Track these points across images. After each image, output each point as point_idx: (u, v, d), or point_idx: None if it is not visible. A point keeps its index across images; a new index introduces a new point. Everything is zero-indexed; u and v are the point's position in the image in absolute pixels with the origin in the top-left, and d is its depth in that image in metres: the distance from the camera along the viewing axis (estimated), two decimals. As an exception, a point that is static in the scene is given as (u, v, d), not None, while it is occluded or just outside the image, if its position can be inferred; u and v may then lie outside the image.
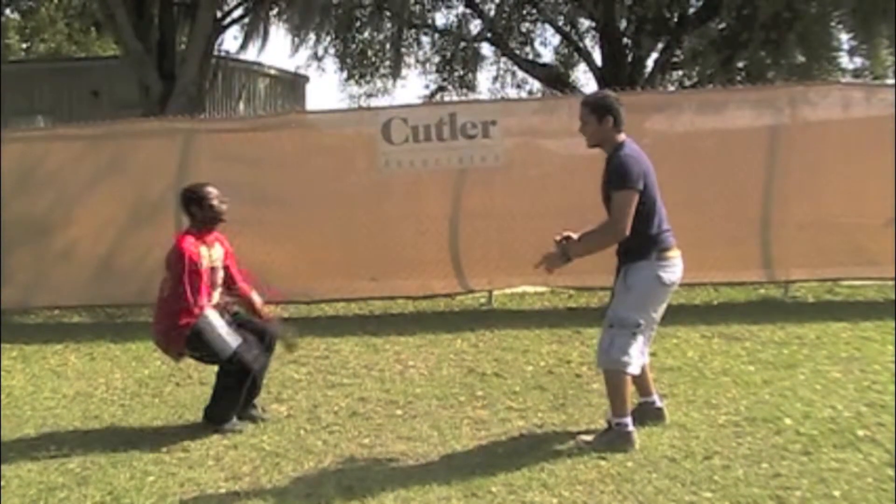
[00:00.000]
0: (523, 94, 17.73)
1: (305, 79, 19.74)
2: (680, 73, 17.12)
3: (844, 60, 14.76)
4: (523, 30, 16.87)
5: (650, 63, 15.25)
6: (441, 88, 17.64)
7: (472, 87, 17.45)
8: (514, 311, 7.58)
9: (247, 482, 3.63)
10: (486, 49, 17.23)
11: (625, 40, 15.25)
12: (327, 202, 7.51)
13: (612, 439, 3.81)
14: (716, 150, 7.41)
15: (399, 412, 4.54)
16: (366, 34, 16.16)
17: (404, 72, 17.34)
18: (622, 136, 3.85)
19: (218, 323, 4.26)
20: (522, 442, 4.00)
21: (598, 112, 3.83)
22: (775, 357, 5.40)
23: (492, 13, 15.89)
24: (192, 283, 4.19)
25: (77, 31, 20.17)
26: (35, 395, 5.21)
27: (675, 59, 15.63)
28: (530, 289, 7.86)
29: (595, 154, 4.01)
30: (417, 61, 17.39)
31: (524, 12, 16.38)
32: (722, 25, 14.23)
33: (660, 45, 15.11)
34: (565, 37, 16.58)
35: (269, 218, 7.51)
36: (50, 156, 7.92)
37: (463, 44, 16.50)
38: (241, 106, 17.96)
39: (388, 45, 16.24)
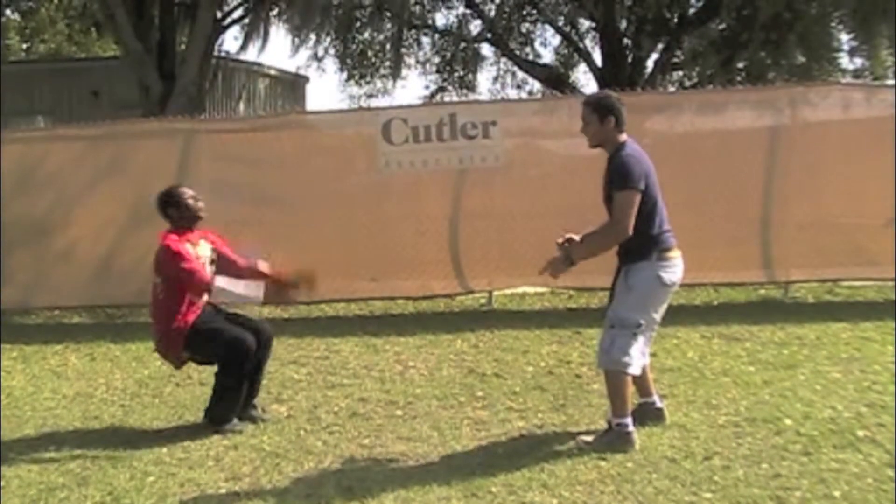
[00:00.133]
0: (523, 95, 17.75)
1: (305, 79, 19.75)
2: (680, 73, 17.14)
3: (845, 61, 14.80)
4: (523, 30, 16.88)
5: (650, 63, 15.26)
6: (441, 89, 17.65)
7: (472, 88, 17.48)
8: (515, 311, 7.58)
9: (247, 483, 3.63)
10: (487, 49, 17.27)
11: (625, 41, 15.26)
12: (327, 202, 7.51)
13: (613, 440, 3.81)
14: (716, 150, 7.41)
15: (399, 413, 4.54)
16: (366, 35, 16.17)
17: (404, 72, 17.38)
18: (624, 137, 3.85)
19: (215, 318, 4.36)
20: (522, 442, 4.00)
21: (600, 112, 3.83)
22: (775, 357, 5.40)
23: (492, 14, 15.90)
24: (189, 274, 4.19)
25: (77, 31, 20.18)
26: (35, 396, 5.21)
27: (675, 60, 15.64)
28: (530, 289, 7.86)
29: (595, 154, 4.01)
30: (417, 62, 17.42)
31: (524, 13, 16.38)
32: (722, 26, 14.24)
33: (660, 46, 15.11)
34: (565, 37, 16.59)
35: (269, 218, 7.51)
36: (50, 156, 7.92)
37: (463, 44, 16.51)
38: (242, 106, 17.96)
39: (388, 46, 16.24)
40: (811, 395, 4.53)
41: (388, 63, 16.91)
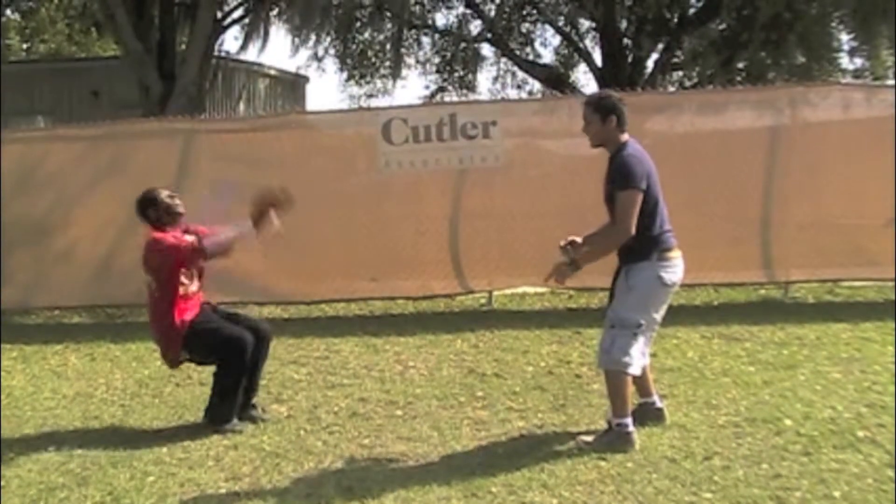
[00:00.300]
0: (523, 95, 17.75)
1: (305, 79, 19.75)
2: (680, 73, 17.13)
3: (845, 61, 14.79)
4: (523, 30, 16.88)
5: (650, 63, 15.26)
6: (441, 89, 17.65)
7: (472, 88, 17.48)
8: (515, 311, 7.58)
9: (247, 483, 3.63)
10: (487, 49, 17.27)
11: (625, 41, 15.26)
12: (327, 203, 7.49)
13: (613, 440, 3.81)
14: (716, 150, 7.40)
15: (399, 413, 4.54)
16: (366, 35, 16.17)
17: (404, 72, 17.38)
18: (625, 136, 3.85)
19: (214, 318, 4.40)
20: (522, 442, 4.00)
21: (602, 112, 3.83)
22: (775, 358, 5.40)
23: (492, 14, 15.90)
24: (174, 247, 4.22)
25: (77, 31, 20.18)
26: (35, 396, 5.21)
27: (675, 60, 15.63)
28: (530, 289, 7.85)
29: (595, 154, 4.01)
30: (418, 62, 17.42)
31: (524, 13, 16.38)
32: (722, 26, 14.23)
33: (660, 46, 15.11)
34: (565, 37, 16.58)
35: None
36: (50, 156, 7.92)
37: (463, 44, 16.51)
38: (242, 106, 17.96)
39: (388, 46, 16.24)
40: (811, 396, 4.52)
41: (388, 63, 16.92)
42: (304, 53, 31.74)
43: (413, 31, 16.41)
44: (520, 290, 7.87)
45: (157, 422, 4.58)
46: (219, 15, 13.16)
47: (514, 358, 5.66)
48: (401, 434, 4.17)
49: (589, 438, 3.88)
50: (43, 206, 7.75)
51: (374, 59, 17.07)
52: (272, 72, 18.99)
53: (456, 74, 17.41)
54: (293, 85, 19.83)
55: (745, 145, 7.39)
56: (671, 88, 16.41)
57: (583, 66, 17.17)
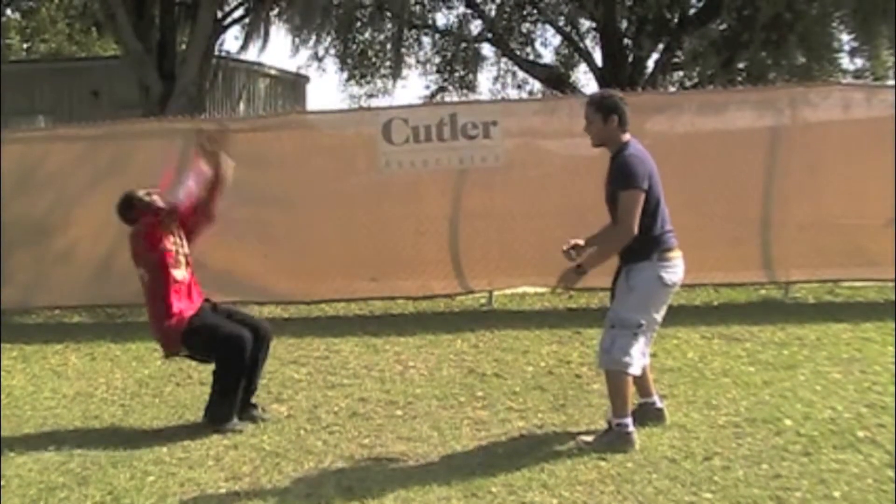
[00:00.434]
0: (524, 95, 17.74)
1: (306, 79, 19.75)
2: (680, 73, 17.13)
3: (845, 61, 14.79)
4: (524, 30, 16.87)
5: (651, 64, 15.25)
6: (442, 89, 17.65)
7: (472, 88, 17.48)
8: (515, 311, 7.58)
9: (247, 482, 3.63)
10: (487, 49, 17.26)
11: (625, 41, 15.26)
12: (328, 202, 7.51)
13: (613, 440, 3.81)
14: (716, 150, 7.40)
15: (399, 413, 4.54)
16: (366, 34, 16.16)
17: (405, 72, 17.37)
18: (627, 136, 3.85)
19: (213, 315, 4.42)
20: (522, 442, 4.00)
21: (604, 111, 3.83)
22: (775, 358, 5.39)
23: (492, 14, 15.89)
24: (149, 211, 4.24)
25: (78, 31, 20.19)
26: (35, 395, 5.22)
27: (675, 60, 15.63)
28: (530, 289, 7.85)
29: (595, 154, 4.01)
30: (418, 62, 17.41)
31: (525, 13, 16.38)
32: (723, 26, 14.23)
33: (660, 46, 15.10)
34: (566, 37, 16.58)
35: (270, 218, 7.52)
36: (50, 156, 7.92)
37: (463, 44, 16.50)
38: (242, 106, 17.97)
39: (388, 46, 16.24)
40: (811, 396, 4.52)
41: (388, 63, 16.91)
42: (305, 53, 31.71)
43: (413, 31, 16.41)
44: (520, 290, 7.87)
45: (158, 421, 4.58)
46: (219, 15, 13.16)
47: (514, 358, 5.66)
48: (401, 434, 4.17)
49: (589, 438, 3.88)
50: (43, 205, 7.74)
51: (374, 59, 17.07)
52: (272, 72, 19.00)
53: (456, 74, 17.42)
54: (293, 85, 19.84)
55: (746, 145, 7.38)
56: (671, 88, 16.41)
57: (583, 66, 17.18)
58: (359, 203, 7.56)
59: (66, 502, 3.51)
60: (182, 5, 13.17)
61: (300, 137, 7.82)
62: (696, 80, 15.88)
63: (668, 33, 14.73)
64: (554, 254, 3.93)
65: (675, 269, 3.83)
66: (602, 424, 4.03)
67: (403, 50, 16.30)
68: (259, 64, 17.68)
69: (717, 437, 3.94)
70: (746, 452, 3.73)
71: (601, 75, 15.01)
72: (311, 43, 15.06)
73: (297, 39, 14.39)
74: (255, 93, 18.71)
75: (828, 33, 13.72)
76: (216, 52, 13.79)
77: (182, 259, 4.42)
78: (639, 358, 3.83)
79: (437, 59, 17.40)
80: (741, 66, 14.36)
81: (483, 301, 7.85)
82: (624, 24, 15.27)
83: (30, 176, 7.79)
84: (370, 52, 16.83)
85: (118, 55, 14.48)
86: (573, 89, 15.96)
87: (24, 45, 23.31)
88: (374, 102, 17.29)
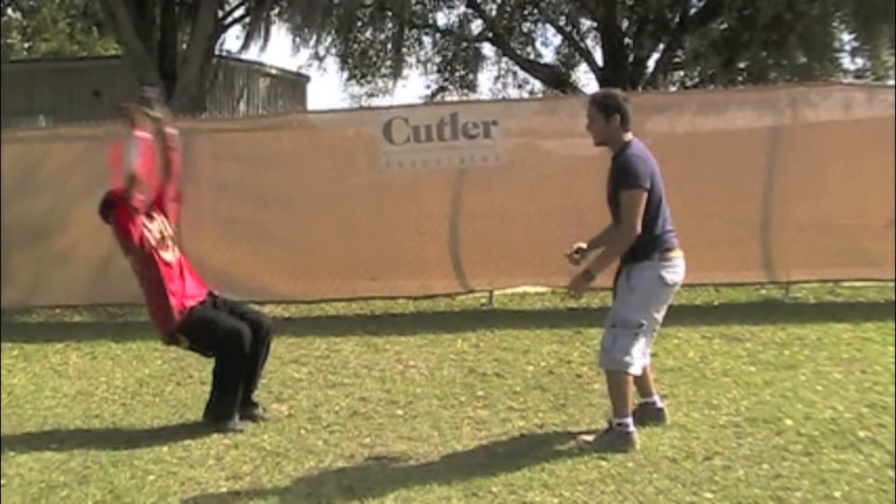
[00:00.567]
0: (524, 95, 17.76)
1: (307, 79, 19.75)
2: (681, 73, 17.15)
3: (846, 61, 14.79)
4: (524, 30, 16.90)
5: (651, 63, 15.28)
6: (442, 88, 17.67)
7: (473, 88, 17.50)
8: (515, 311, 7.58)
9: (247, 481, 3.63)
10: (488, 49, 17.28)
11: (626, 41, 15.27)
12: (328, 202, 7.50)
13: (613, 439, 3.81)
14: (717, 150, 7.39)
15: (400, 412, 4.54)
16: (367, 34, 16.17)
17: (405, 72, 17.41)
18: (629, 136, 3.84)
19: (214, 309, 4.42)
20: (523, 442, 4.00)
21: (606, 110, 3.82)
22: (776, 358, 5.39)
23: (493, 13, 15.91)
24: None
25: (78, 30, 20.22)
26: (36, 394, 5.22)
27: (676, 60, 15.65)
28: (531, 289, 7.85)
29: (596, 154, 4.01)
30: (419, 61, 17.43)
31: (525, 12, 16.39)
32: (723, 26, 14.23)
33: (661, 46, 15.12)
34: (567, 37, 16.59)
35: (270, 218, 7.52)
36: (50, 156, 7.91)
37: (464, 44, 16.51)
38: (242, 106, 17.97)
39: (389, 45, 16.26)
40: (812, 396, 4.52)
41: (389, 62, 16.93)
42: (305, 53, 31.78)
43: (414, 31, 16.43)
44: (520, 289, 7.87)
45: (158, 420, 4.58)
46: (220, 14, 13.18)
47: (514, 357, 5.66)
48: (401, 433, 4.17)
49: (589, 438, 3.88)
50: (43, 205, 7.73)
51: (375, 59, 17.08)
52: (273, 71, 19.00)
53: (457, 74, 17.43)
54: (294, 84, 19.84)
55: (746, 145, 7.37)
56: (672, 88, 16.44)
57: (584, 66, 17.22)
58: (359, 202, 7.55)
59: (66, 501, 3.51)
60: (183, 5, 13.18)
61: (301, 137, 7.82)
62: (696, 80, 15.90)
63: (668, 33, 14.74)
64: (554, 254, 3.93)
65: (676, 269, 3.83)
66: (602, 424, 4.03)
67: (404, 49, 16.32)
68: (260, 63, 17.69)
69: (718, 436, 3.94)
70: (747, 452, 3.73)
71: (602, 75, 15.03)
72: (312, 42, 15.10)
73: (297, 39, 14.43)
74: (256, 92, 18.72)
75: (828, 33, 13.73)
76: (217, 52, 13.80)
77: (168, 242, 4.42)
78: (639, 358, 3.83)
79: (438, 59, 17.42)
80: (742, 65, 14.37)
81: (483, 301, 7.85)
82: (625, 24, 15.29)
83: (30, 176, 7.78)
84: (371, 52, 16.84)
85: (119, 55, 14.48)
86: (574, 89, 15.99)
87: (25, 45, 23.33)
88: (375, 102, 17.38)
